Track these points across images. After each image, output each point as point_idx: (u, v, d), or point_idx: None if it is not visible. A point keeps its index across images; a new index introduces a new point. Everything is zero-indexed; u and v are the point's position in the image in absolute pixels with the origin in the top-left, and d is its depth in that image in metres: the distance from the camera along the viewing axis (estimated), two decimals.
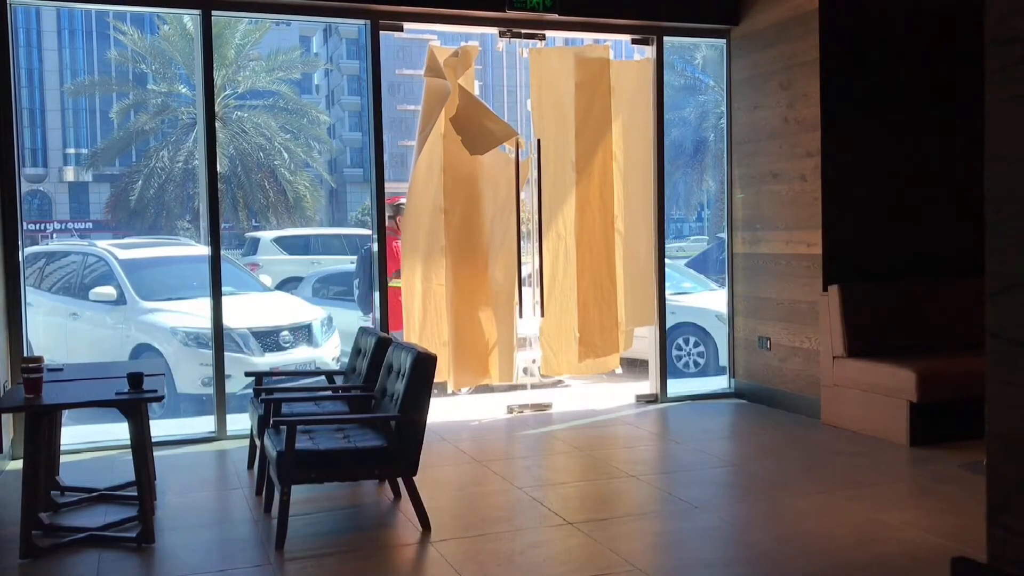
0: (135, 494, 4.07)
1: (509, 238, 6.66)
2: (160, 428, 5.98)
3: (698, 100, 27.35)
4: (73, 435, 5.60)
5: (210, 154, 5.89)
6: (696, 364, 8.96)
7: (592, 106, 6.72)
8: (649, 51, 6.90)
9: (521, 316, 6.81)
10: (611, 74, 6.76)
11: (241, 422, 5.80)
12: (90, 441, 5.70)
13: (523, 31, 6.53)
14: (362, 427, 4.27)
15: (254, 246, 16.48)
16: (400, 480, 4.21)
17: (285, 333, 8.54)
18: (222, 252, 6.02)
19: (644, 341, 7.23)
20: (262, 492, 4.49)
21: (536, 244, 6.69)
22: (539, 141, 6.63)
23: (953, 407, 5.39)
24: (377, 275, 6.34)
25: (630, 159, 6.88)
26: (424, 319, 6.54)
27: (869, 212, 6.18)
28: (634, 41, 6.91)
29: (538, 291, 6.70)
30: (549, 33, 6.69)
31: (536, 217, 6.66)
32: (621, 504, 4.56)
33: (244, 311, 8.48)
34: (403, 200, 6.77)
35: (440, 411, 6.53)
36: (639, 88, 6.88)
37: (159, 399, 3.93)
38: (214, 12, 5.81)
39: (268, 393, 4.85)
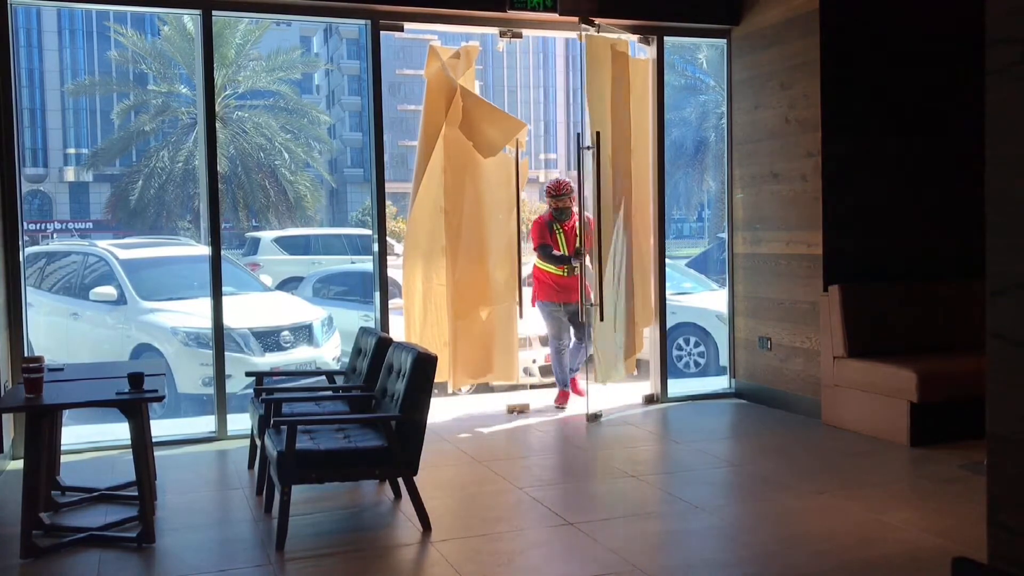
0: (135, 494, 4.08)
1: (510, 238, 6.66)
2: (160, 428, 5.98)
3: (699, 100, 27.35)
4: (73, 435, 5.61)
5: (210, 154, 5.89)
6: (696, 364, 8.97)
7: (619, 100, 6.50)
8: (650, 51, 6.90)
9: (522, 316, 6.80)
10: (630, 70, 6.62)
11: (241, 422, 5.81)
12: (90, 441, 5.70)
13: (523, 31, 6.52)
14: (362, 427, 4.27)
15: (254, 246, 16.52)
16: (400, 480, 4.21)
17: (285, 333, 8.54)
18: (222, 252, 6.02)
19: (644, 341, 7.22)
20: (262, 492, 4.49)
21: (596, 246, 6.27)
22: (598, 134, 6.23)
23: (953, 407, 5.39)
24: (378, 274, 6.34)
25: (634, 158, 6.86)
26: (425, 319, 6.54)
27: (869, 212, 6.17)
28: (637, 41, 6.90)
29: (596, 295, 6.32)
30: (549, 33, 6.67)
31: (596, 216, 6.25)
32: (621, 504, 4.55)
33: (245, 311, 8.49)
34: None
35: (440, 411, 6.53)
36: (640, 87, 6.87)
37: (159, 399, 3.93)
38: (214, 12, 5.81)
39: (268, 393, 4.85)
